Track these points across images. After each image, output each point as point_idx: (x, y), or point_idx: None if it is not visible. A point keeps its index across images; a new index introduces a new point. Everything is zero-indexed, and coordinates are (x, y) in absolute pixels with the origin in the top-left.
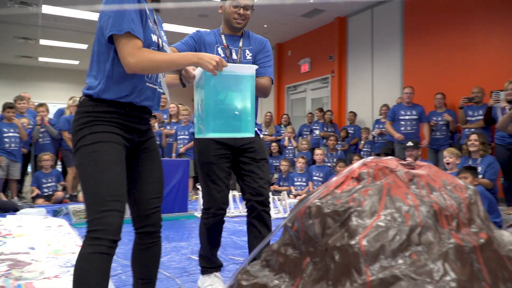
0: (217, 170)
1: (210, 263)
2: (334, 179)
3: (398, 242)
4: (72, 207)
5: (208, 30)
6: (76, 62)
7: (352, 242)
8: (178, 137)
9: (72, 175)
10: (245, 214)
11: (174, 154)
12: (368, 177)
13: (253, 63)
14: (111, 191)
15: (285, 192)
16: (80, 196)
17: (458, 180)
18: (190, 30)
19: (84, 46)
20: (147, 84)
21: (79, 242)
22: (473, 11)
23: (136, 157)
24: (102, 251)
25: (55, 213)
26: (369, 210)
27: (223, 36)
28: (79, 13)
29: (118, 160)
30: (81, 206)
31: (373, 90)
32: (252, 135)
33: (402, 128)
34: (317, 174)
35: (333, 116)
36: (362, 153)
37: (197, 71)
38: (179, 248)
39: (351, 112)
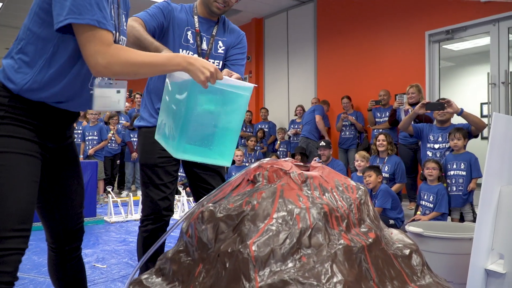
0: (162, 174)
1: None
2: (231, 181)
3: (289, 245)
4: None
5: (179, 6)
6: None
7: (242, 248)
8: (86, 138)
9: None
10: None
11: (81, 156)
12: (263, 179)
13: (224, 57)
14: (14, 224)
15: None
16: None
17: (350, 181)
18: None
19: None
20: (90, 92)
21: None
22: (380, 19)
23: (58, 168)
24: None
25: None
26: (262, 214)
27: (196, 18)
28: None
29: (30, 180)
30: None
31: (289, 90)
32: (228, 164)
33: None
34: (236, 174)
35: (252, 116)
36: (278, 152)
37: None
38: (83, 256)
39: (263, 108)
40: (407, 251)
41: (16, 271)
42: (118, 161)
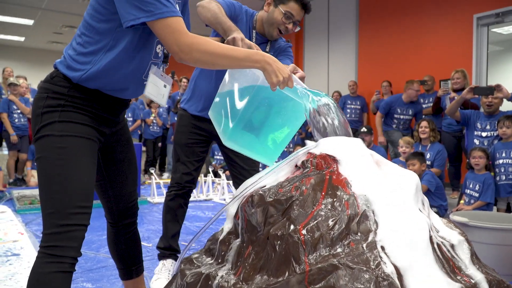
0: (189, 153)
1: (165, 244)
2: (280, 166)
3: (338, 230)
4: (16, 192)
5: (244, 10)
6: (22, 39)
7: (292, 232)
8: None
9: (13, 158)
10: (199, 199)
11: None
12: (311, 166)
13: None
14: (78, 202)
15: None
16: (31, 180)
17: (399, 167)
18: None
19: (30, 22)
20: (144, 82)
21: (22, 229)
22: (426, 2)
23: (112, 150)
24: (65, 269)
25: None
26: (311, 199)
27: (254, 32)
28: None
29: (90, 161)
30: (26, 192)
31: (329, 76)
32: (271, 164)
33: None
34: (284, 161)
35: None
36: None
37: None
38: None
39: None
40: (455, 240)
41: (80, 247)
42: (160, 144)
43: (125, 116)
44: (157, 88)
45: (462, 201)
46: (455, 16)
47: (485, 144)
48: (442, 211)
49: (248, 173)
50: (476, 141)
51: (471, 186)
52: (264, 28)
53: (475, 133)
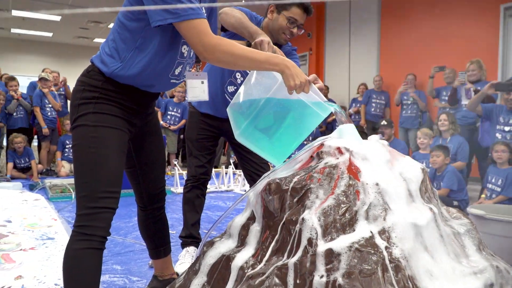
0: (200, 147)
1: (186, 232)
2: (296, 157)
3: (349, 216)
4: (49, 181)
5: (255, 19)
6: (50, 34)
7: (306, 217)
8: (169, 113)
9: (46, 150)
10: (220, 190)
11: None
12: (325, 156)
13: None
14: (107, 187)
15: None
16: (62, 170)
17: (410, 159)
18: None
19: (57, 18)
20: (171, 80)
21: (55, 215)
22: None
23: (142, 140)
24: (94, 246)
25: (31, 187)
26: (324, 188)
27: None
28: None
29: (119, 150)
30: (57, 181)
31: (350, 68)
32: (278, 164)
33: None
34: (295, 152)
35: None
36: None
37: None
38: None
39: (324, 85)
40: (463, 229)
41: (108, 227)
42: (182, 136)
43: (175, 111)
44: (196, 88)
45: (483, 196)
46: (481, 6)
47: (508, 138)
48: (464, 204)
49: (259, 166)
50: (499, 135)
51: (493, 180)
52: (270, 34)
53: (497, 127)
